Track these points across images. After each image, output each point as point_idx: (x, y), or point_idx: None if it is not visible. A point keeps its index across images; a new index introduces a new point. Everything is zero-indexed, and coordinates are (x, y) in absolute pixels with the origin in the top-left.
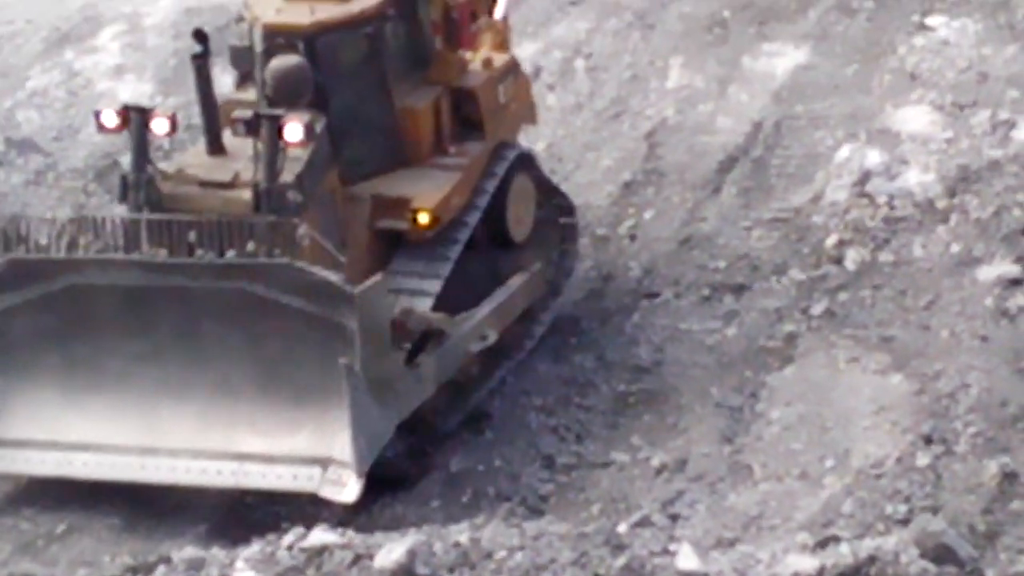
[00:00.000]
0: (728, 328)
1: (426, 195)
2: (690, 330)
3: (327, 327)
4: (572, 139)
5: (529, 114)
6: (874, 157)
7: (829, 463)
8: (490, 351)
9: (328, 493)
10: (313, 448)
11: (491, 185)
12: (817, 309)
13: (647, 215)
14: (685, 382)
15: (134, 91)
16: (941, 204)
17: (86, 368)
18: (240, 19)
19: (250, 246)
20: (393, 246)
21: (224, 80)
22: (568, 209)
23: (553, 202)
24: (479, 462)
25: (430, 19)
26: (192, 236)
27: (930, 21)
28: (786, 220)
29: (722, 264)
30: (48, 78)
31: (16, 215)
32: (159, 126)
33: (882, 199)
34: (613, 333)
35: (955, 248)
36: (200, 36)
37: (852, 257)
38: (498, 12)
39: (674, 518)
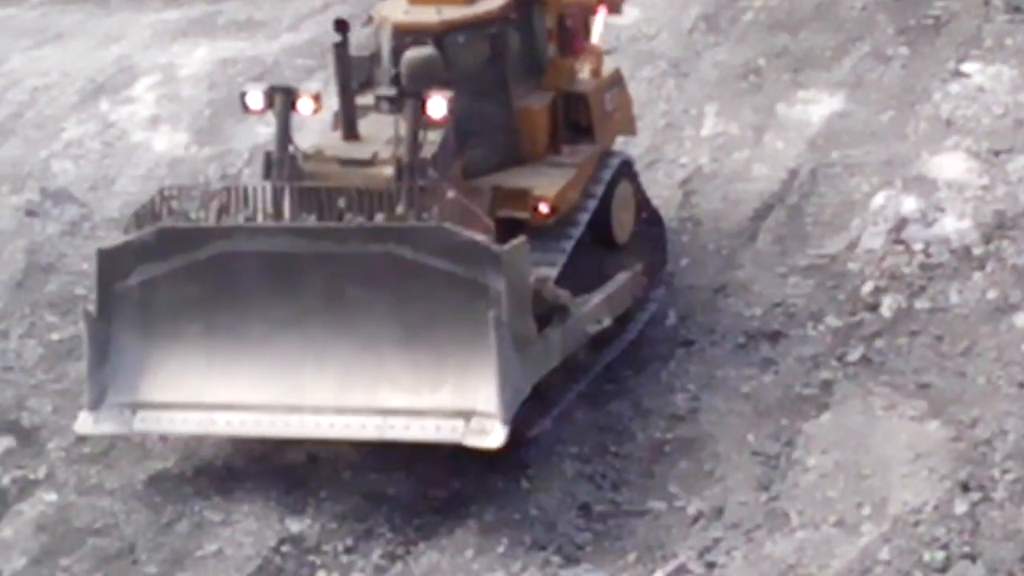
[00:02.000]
0: (764, 375)
1: (546, 187)
2: (726, 377)
3: (472, 287)
4: None
5: (629, 126)
6: (910, 204)
7: (866, 511)
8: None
9: (472, 441)
10: (456, 402)
11: (600, 187)
12: (853, 356)
13: (683, 262)
14: (721, 429)
15: (169, 142)
16: (977, 251)
17: (230, 333)
18: (368, 21)
19: (400, 209)
20: (508, 237)
21: (260, 130)
22: (658, 221)
23: (644, 214)
24: (515, 511)
25: (545, 27)
26: (342, 202)
27: (965, 67)
28: (822, 267)
29: (758, 311)
30: (83, 129)
31: (166, 187)
32: (304, 106)
33: (918, 246)
34: (649, 381)
35: (991, 295)
36: (341, 25)
37: (888, 304)
38: (595, 35)
39: (711, 566)
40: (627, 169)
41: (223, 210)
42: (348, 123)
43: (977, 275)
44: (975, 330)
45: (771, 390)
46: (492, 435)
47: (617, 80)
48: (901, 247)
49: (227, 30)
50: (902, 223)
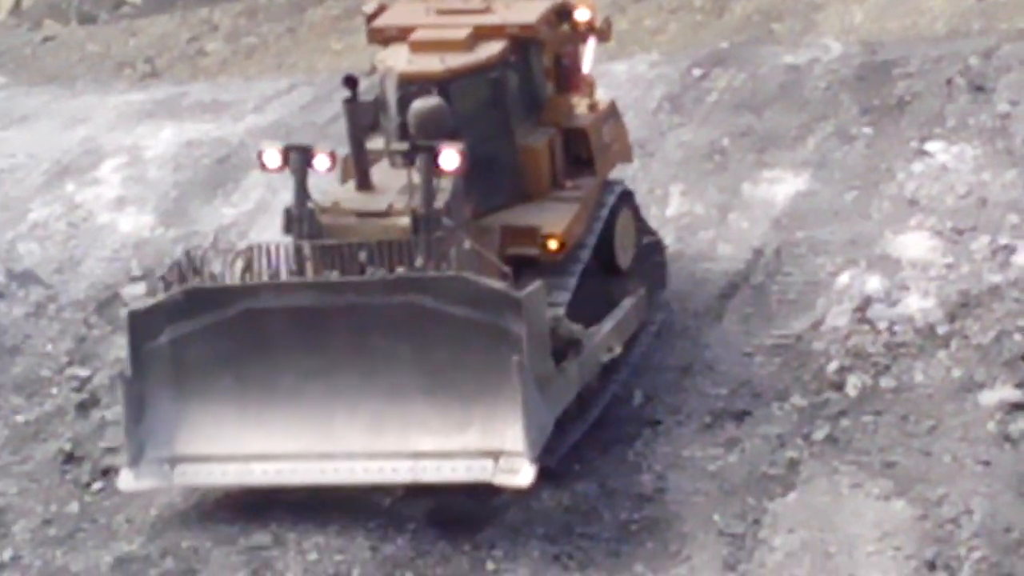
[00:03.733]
0: (730, 455)
1: (553, 223)
2: (692, 457)
3: (493, 332)
4: None
5: (626, 153)
6: (874, 283)
7: None
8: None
9: (503, 480)
10: (484, 442)
11: (602, 218)
12: (819, 435)
13: (648, 342)
14: (688, 509)
15: (135, 223)
16: (942, 329)
17: (261, 386)
18: (372, 71)
19: (419, 261)
20: (518, 273)
21: (225, 211)
22: (658, 244)
23: (644, 238)
24: None
25: (542, 66)
26: (363, 256)
27: (929, 147)
28: (787, 346)
29: (724, 391)
30: (49, 211)
31: (191, 248)
32: (320, 163)
33: (883, 325)
34: (615, 461)
35: (956, 373)
36: (350, 81)
37: (853, 383)
38: (586, 66)
39: None
40: (627, 197)
41: (247, 268)
42: (361, 175)
43: (942, 354)
44: (940, 409)
45: (737, 469)
46: (521, 474)
47: (612, 112)
48: (866, 326)
49: (192, 111)
50: (867, 302)
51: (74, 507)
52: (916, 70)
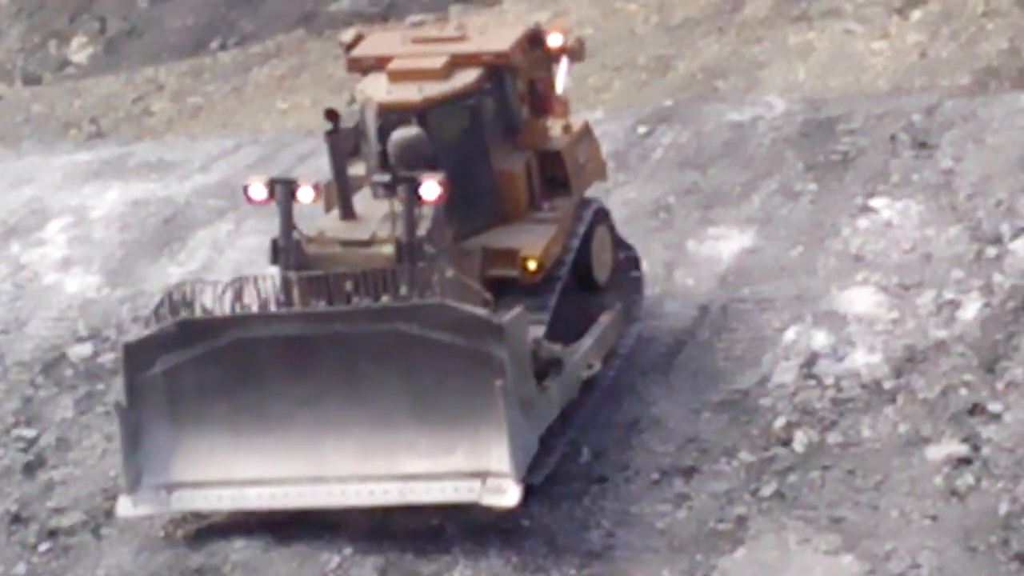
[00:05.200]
0: (678, 511)
1: (531, 245)
2: (641, 514)
3: (477, 357)
4: None
5: (600, 172)
6: (820, 339)
7: None
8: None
9: (490, 500)
10: (470, 464)
11: (579, 236)
12: (767, 491)
13: (595, 397)
14: (637, 567)
15: (81, 283)
16: (888, 384)
17: (253, 413)
18: (352, 101)
19: (403, 290)
20: (499, 293)
21: (172, 271)
22: (633, 259)
23: (620, 253)
24: None
25: (517, 92)
26: (349, 285)
27: (873, 203)
28: (734, 403)
29: (671, 447)
30: None
31: (181, 282)
32: (304, 195)
33: (829, 380)
34: (563, 518)
35: (903, 428)
36: (331, 115)
37: (800, 439)
38: (559, 86)
39: None
40: (602, 214)
41: (237, 299)
42: (344, 205)
43: (888, 409)
44: (887, 463)
45: (686, 526)
46: (508, 494)
47: (586, 132)
48: (813, 382)
49: (138, 171)
50: (813, 358)
51: (21, 569)
52: (860, 126)
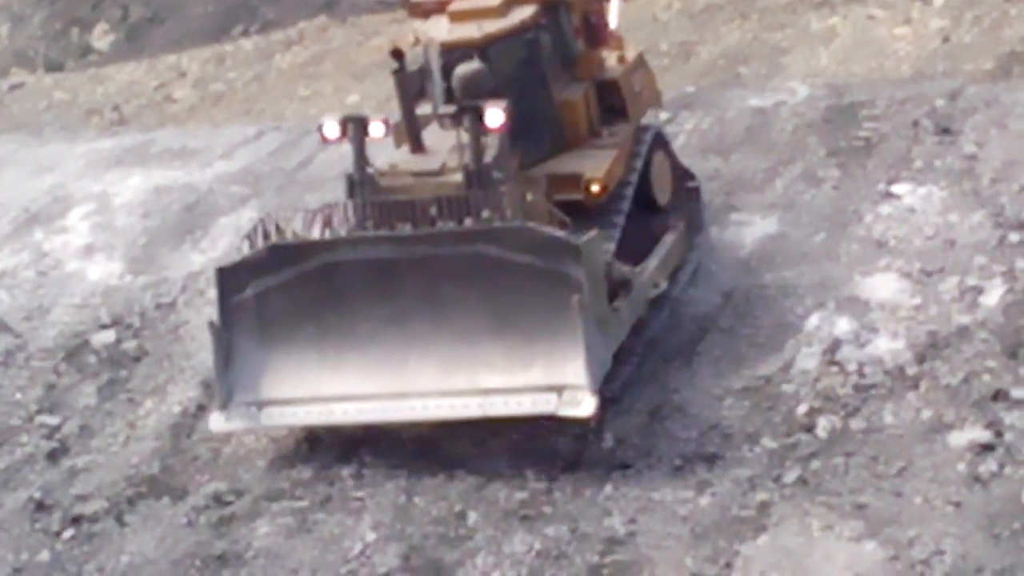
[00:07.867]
0: (701, 498)
1: (594, 168)
2: (663, 500)
3: (555, 277)
4: None
5: (656, 99)
6: (843, 325)
7: None
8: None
9: (566, 412)
10: (547, 378)
11: (639, 159)
12: (790, 477)
13: (618, 386)
14: (659, 553)
15: (104, 271)
16: (911, 371)
17: (339, 333)
18: (416, 42)
19: (485, 214)
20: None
21: (194, 258)
22: (691, 176)
23: (679, 173)
24: None
25: (572, 25)
26: (433, 210)
27: (896, 189)
28: (757, 389)
29: (694, 434)
30: (17, 259)
31: (271, 211)
32: (375, 129)
33: (852, 367)
34: (586, 504)
35: (926, 414)
36: (396, 54)
37: (823, 425)
38: (612, 22)
39: None
40: (660, 139)
41: (326, 225)
42: (414, 138)
43: (911, 395)
44: (910, 450)
45: (708, 512)
46: (583, 405)
47: (641, 62)
48: (835, 368)
49: (161, 158)
50: (836, 344)
51: (45, 556)
52: (882, 112)
